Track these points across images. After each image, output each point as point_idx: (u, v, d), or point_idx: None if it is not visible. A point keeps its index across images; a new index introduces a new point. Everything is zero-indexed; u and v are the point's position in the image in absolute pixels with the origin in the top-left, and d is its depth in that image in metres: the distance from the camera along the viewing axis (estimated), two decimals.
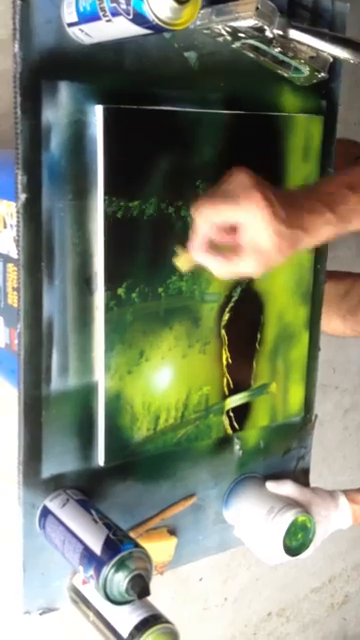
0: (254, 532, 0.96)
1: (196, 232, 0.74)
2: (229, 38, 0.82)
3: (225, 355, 0.93)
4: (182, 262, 0.79)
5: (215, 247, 0.74)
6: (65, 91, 0.75)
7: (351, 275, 1.32)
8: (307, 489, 1.00)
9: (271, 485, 0.99)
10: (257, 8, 0.76)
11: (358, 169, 0.80)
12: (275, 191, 0.73)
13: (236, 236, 0.72)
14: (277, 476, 1.04)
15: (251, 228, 0.71)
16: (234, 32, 0.81)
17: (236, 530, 0.99)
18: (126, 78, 0.79)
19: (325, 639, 2.29)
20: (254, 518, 0.96)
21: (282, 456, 1.06)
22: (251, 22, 0.77)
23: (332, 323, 1.24)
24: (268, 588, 2.04)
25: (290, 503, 0.96)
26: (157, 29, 0.64)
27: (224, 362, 0.93)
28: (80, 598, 0.84)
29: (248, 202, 0.70)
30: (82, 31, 0.72)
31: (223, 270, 0.74)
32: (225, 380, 0.94)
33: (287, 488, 0.99)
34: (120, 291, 0.82)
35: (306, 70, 0.86)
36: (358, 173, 0.79)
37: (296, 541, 0.94)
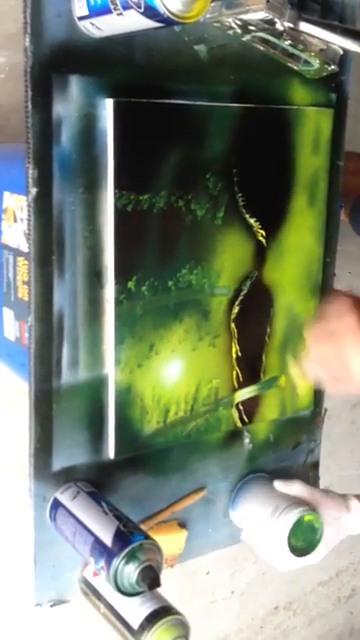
0: (259, 532, 0.94)
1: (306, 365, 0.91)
2: (239, 31, 0.82)
3: (235, 348, 0.93)
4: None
5: None
6: (75, 85, 0.75)
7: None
8: (317, 490, 0.98)
9: (279, 484, 0.97)
10: (268, 1, 0.76)
11: None
12: None
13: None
14: (286, 471, 1.04)
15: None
16: (244, 25, 0.80)
17: (244, 534, 0.98)
18: (136, 71, 0.79)
19: (332, 632, 2.30)
20: (259, 518, 0.94)
21: (292, 450, 1.06)
22: (262, 15, 0.77)
23: None
24: (275, 582, 2.04)
25: (296, 502, 0.93)
26: (168, 22, 0.64)
27: (234, 355, 0.93)
28: (91, 590, 0.84)
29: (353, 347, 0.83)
30: (93, 24, 0.72)
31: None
32: (235, 373, 0.94)
33: (296, 488, 0.96)
34: (130, 284, 0.82)
35: (316, 63, 0.86)
36: None
37: (303, 541, 0.91)
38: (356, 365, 0.82)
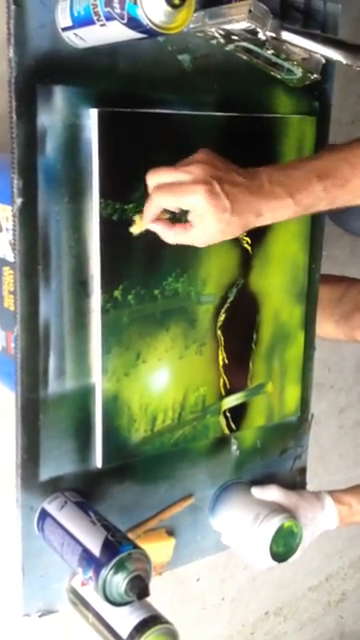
0: (241, 539, 0.96)
1: (147, 209, 0.79)
2: (222, 41, 0.83)
3: (221, 356, 0.94)
4: (135, 228, 0.83)
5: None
6: (60, 95, 0.75)
7: (346, 280, 1.32)
8: (293, 493, 1.00)
9: (256, 491, 0.99)
10: (250, 11, 0.76)
11: (332, 155, 0.80)
12: (237, 172, 0.77)
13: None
14: (273, 477, 1.04)
15: (197, 212, 0.76)
16: (227, 35, 0.81)
17: (223, 537, 0.99)
18: (120, 81, 0.79)
19: (322, 637, 2.30)
20: (240, 525, 0.95)
21: (279, 455, 1.06)
22: (244, 24, 0.78)
23: (325, 327, 1.24)
24: (265, 587, 2.04)
25: (276, 509, 0.95)
26: (151, 33, 0.64)
27: (220, 363, 0.94)
28: (79, 600, 0.84)
29: (192, 195, 0.75)
30: (76, 35, 0.72)
31: (172, 239, 0.80)
32: (222, 380, 0.94)
33: (272, 493, 0.98)
34: (116, 293, 0.82)
35: (299, 72, 0.87)
36: (331, 160, 0.79)
37: (283, 547, 0.93)
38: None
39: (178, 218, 0.80)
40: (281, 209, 0.77)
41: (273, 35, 0.80)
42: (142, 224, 0.82)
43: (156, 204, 0.78)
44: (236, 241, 0.92)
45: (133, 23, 0.64)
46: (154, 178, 0.78)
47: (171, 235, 0.79)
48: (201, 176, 0.75)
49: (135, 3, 0.62)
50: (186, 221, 0.78)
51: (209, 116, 0.87)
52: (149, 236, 0.83)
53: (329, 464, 2.06)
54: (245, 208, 0.76)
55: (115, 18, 0.65)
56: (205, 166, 0.76)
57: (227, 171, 0.76)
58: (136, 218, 0.82)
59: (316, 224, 1.02)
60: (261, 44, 0.82)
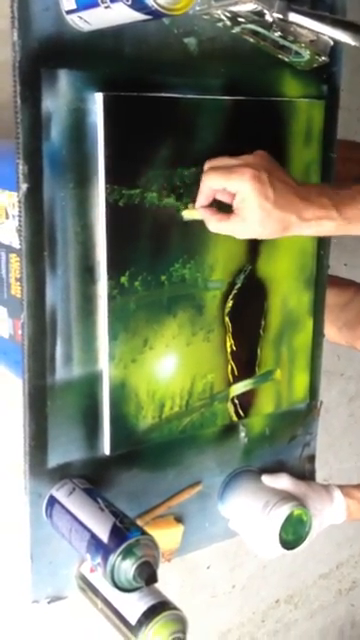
0: (250, 526, 0.96)
1: (200, 191, 0.82)
2: (229, 23, 0.82)
3: (229, 342, 0.93)
4: (187, 213, 0.85)
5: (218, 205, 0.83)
6: (65, 79, 0.74)
7: (354, 285, 1.30)
8: (303, 483, 1.00)
9: (267, 479, 0.99)
10: None
11: None
12: (288, 175, 0.81)
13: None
14: (282, 464, 1.04)
15: (240, 197, 0.78)
16: (234, 17, 0.80)
17: (231, 523, 0.99)
18: (126, 65, 0.79)
19: (333, 625, 2.30)
20: (250, 512, 0.95)
21: (288, 443, 1.06)
22: (251, 6, 0.77)
23: (327, 331, 1.23)
24: (276, 575, 2.05)
25: (286, 497, 0.95)
26: (156, 14, 0.64)
27: (228, 349, 0.93)
28: (88, 586, 0.84)
29: (239, 176, 0.78)
30: (81, 18, 0.71)
31: (213, 227, 0.82)
32: (229, 367, 0.94)
33: (283, 481, 0.99)
34: (123, 280, 0.81)
35: (307, 54, 0.86)
36: None
37: (292, 535, 0.93)
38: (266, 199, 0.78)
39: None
40: (324, 219, 0.80)
41: (280, 17, 0.79)
42: (194, 211, 0.84)
43: (206, 184, 0.81)
44: None
45: (138, 4, 0.63)
46: (211, 162, 0.81)
47: (213, 221, 0.81)
48: (251, 162, 0.79)
49: None
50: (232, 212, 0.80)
51: (215, 100, 0.86)
52: (155, 221, 0.82)
53: (339, 452, 2.06)
54: (288, 205, 0.78)
55: (120, 0, 0.64)
56: (258, 157, 0.80)
57: (279, 169, 0.80)
58: (190, 205, 0.85)
59: None
60: (268, 26, 0.81)
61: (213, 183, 0.80)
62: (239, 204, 0.78)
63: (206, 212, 0.82)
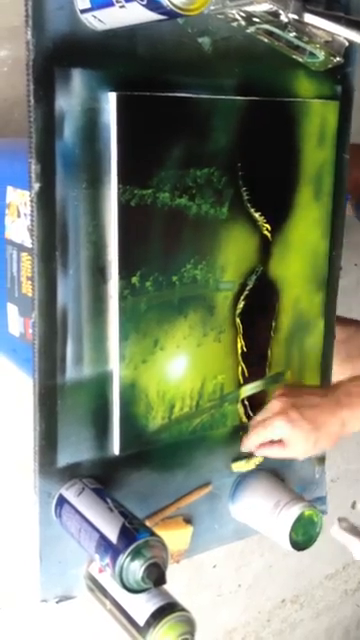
0: (261, 526, 0.96)
1: (246, 443, 0.95)
2: (243, 23, 0.81)
3: (240, 343, 0.93)
4: (239, 465, 0.98)
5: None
6: (78, 78, 0.74)
7: (355, 323, 1.31)
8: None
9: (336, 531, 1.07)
10: None
11: None
12: (312, 394, 0.92)
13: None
14: (291, 466, 1.04)
15: (285, 437, 0.90)
16: (248, 17, 0.80)
17: (238, 515, 0.99)
18: (139, 65, 0.78)
19: (339, 625, 2.30)
20: (260, 512, 0.95)
21: None
22: (266, 6, 0.76)
23: None
24: (282, 575, 2.04)
25: (296, 497, 0.95)
26: (171, 14, 0.63)
27: (239, 350, 0.93)
28: (97, 586, 0.84)
29: (275, 428, 0.89)
30: (95, 17, 0.71)
31: (273, 455, 0.94)
32: (240, 368, 0.94)
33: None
34: (134, 280, 0.81)
35: (321, 55, 0.85)
36: None
37: (303, 535, 0.93)
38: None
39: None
40: (340, 425, 0.90)
41: (295, 17, 0.79)
42: (241, 462, 0.97)
43: (253, 442, 0.93)
44: (255, 228, 0.91)
45: (153, 4, 0.63)
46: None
47: (272, 453, 0.93)
48: (278, 408, 0.89)
49: None
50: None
51: (229, 100, 0.85)
52: (167, 221, 0.82)
53: (347, 453, 2.05)
54: (326, 423, 0.89)
55: None
56: (282, 399, 0.90)
57: (302, 396, 0.91)
58: (235, 463, 0.97)
59: (337, 211, 1.00)
60: (283, 26, 0.80)
61: (258, 440, 0.92)
62: (287, 440, 0.89)
63: (264, 449, 0.93)
